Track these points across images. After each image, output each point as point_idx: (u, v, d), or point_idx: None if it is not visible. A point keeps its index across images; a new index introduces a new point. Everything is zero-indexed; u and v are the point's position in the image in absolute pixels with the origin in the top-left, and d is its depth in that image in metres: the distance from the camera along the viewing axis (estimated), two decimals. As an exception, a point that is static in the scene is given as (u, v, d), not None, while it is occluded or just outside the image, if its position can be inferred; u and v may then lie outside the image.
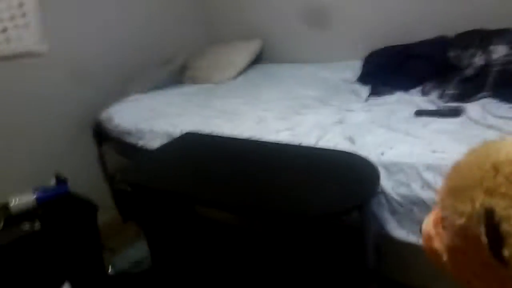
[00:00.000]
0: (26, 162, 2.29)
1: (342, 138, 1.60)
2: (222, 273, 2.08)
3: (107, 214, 2.41)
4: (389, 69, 2.05)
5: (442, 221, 0.60)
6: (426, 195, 1.34)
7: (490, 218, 0.48)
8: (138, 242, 2.44)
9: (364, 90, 2.03)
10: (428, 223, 0.65)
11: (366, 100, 1.94)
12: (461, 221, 0.52)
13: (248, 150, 1.62)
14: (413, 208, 1.38)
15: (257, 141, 1.68)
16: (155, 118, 2.15)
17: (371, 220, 1.35)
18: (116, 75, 2.58)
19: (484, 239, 0.48)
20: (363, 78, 2.14)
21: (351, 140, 1.57)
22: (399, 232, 1.42)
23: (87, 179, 2.46)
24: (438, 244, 0.61)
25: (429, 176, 1.34)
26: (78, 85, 2.44)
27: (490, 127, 1.47)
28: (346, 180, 1.30)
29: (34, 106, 2.29)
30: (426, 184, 1.34)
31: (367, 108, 1.84)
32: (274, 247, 1.63)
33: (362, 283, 1.37)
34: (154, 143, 2.01)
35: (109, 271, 2.25)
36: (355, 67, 2.29)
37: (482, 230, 0.49)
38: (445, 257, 0.60)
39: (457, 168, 0.58)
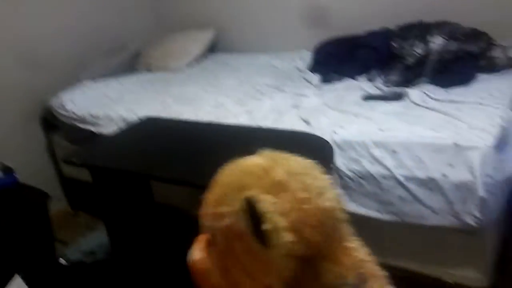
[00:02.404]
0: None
1: (298, 120, 1.69)
2: (180, 261, 2.11)
3: (56, 204, 2.34)
4: (338, 58, 2.17)
5: (208, 241, 0.68)
6: (375, 169, 1.46)
7: (249, 207, 0.58)
8: (90, 233, 2.41)
9: (315, 77, 2.14)
10: (195, 252, 0.70)
11: (318, 86, 2.05)
12: (225, 222, 0.61)
13: (208, 133, 1.66)
14: (363, 182, 1.49)
15: (217, 123, 1.73)
16: (110, 104, 2.13)
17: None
18: (66, 61, 2.51)
19: (247, 224, 0.58)
20: (314, 67, 2.25)
21: (306, 121, 1.66)
22: (350, 205, 1.54)
23: (34, 169, 2.39)
24: (209, 265, 0.67)
25: (377, 152, 1.47)
26: (25, 71, 2.34)
27: (429, 108, 1.62)
28: (304, 155, 1.37)
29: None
30: (375, 160, 1.46)
31: (319, 93, 1.94)
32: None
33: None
34: (110, 129, 1.99)
35: (62, 261, 2.20)
36: (306, 56, 2.40)
37: (245, 218, 0.58)
38: (217, 275, 0.66)
39: (215, 184, 0.67)
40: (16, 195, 2.12)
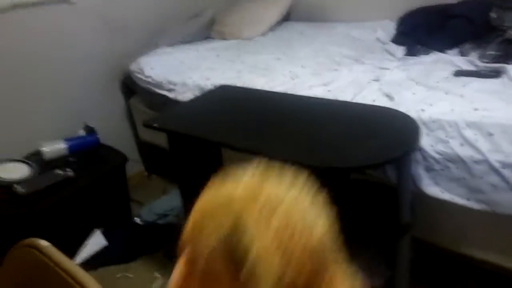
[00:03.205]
0: (56, 112, 2.32)
1: (380, 95, 1.59)
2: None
3: (132, 166, 2.45)
4: (426, 29, 2.00)
5: (189, 268, 0.60)
6: (466, 152, 1.34)
7: (236, 234, 0.52)
8: (163, 196, 2.51)
9: (399, 49, 1.99)
10: (175, 279, 0.63)
11: (402, 59, 1.91)
12: (208, 250, 0.54)
13: (284, 103, 1.62)
14: (450, 165, 1.38)
15: (292, 94, 1.68)
16: (186, 71, 2.15)
17: (408, 175, 1.36)
18: (145, 27, 2.56)
19: (228, 260, 0.52)
20: (398, 38, 2.10)
21: (389, 97, 1.56)
22: (433, 189, 1.44)
23: (114, 131, 2.50)
24: None
25: (469, 133, 1.34)
26: (107, 36, 2.43)
27: (533, 87, 1.45)
28: (386, 133, 1.30)
29: (63, 55, 2.29)
30: (467, 142, 1.34)
31: (404, 67, 1.82)
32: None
33: (395, 236, 1.40)
34: (185, 96, 2.02)
35: (137, 220, 2.32)
36: (388, 27, 2.25)
37: (226, 252, 0.52)
38: None
39: (198, 208, 0.59)
40: (97, 155, 2.25)
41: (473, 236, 1.48)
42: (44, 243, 0.91)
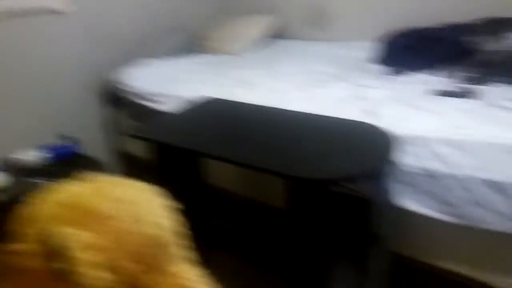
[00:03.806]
0: (34, 120, 2.29)
1: (360, 111, 1.63)
2: (231, 241, 2.12)
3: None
4: (407, 51, 2.07)
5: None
6: (441, 168, 1.39)
7: (56, 242, 0.51)
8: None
9: (381, 69, 2.06)
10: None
11: (384, 78, 1.97)
12: (26, 258, 0.54)
13: (267, 116, 1.65)
14: (426, 180, 1.42)
15: (275, 108, 1.71)
16: (170, 83, 2.16)
17: (381, 188, 1.39)
18: (130, 39, 2.57)
19: (50, 262, 0.51)
20: (381, 58, 2.16)
21: (370, 113, 1.60)
22: (407, 202, 1.47)
23: (93, 141, 2.47)
24: None
25: (444, 150, 1.39)
26: (90, 46, 2.43)
27: (504, 108, 1.51)
28: (360, 147, 1.33)
29: (46, 64, 2.28)
30: (442, 158, 1.38)
31: (385, 85, 1.87)
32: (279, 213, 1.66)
33: (364, 247, 1.42)
34: (170, 107, 2.02)
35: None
36: (371, 47, 2.32)
37: (47, 256, 0.52)
38: None
39: (24, 217, 0.59)
40: (75, 164, 2.21)
41: (445, 249, 1.51)
42: None
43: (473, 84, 1.71)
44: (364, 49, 2.32)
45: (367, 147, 1.35)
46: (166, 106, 2.06)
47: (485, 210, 1.33)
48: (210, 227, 2.01)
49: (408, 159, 1.44)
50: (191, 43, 2.76)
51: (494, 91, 1.63)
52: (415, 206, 1.45)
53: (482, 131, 1.40)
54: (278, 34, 2.83)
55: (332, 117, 1.59)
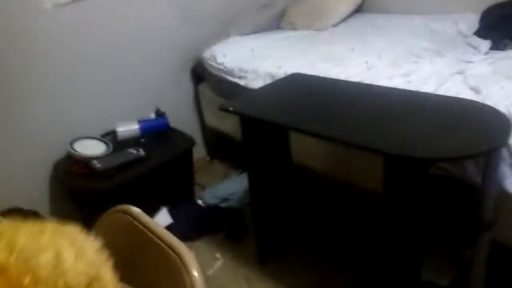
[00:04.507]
0: (130, 95, 2.43)
1: (465, 88, 1.52)
2: (316, 222, 2.12)
3: (196, 151, 2.51)
4: (504, 22, 1.88)
5: None
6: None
7: None
8: (225, 180, 2.56)
9: (483, 43, 1.88)
10: None
11: (487, 53, 1.81)
12: None
13: (359, 92, 1.59)
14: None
15: (368, 84, 1.64)
16: (257, 59, 2.17)
17: (494, 172, 1.29)
18: (217, 17, 2.62)
19: None
20: (482, 31, 1.98)
21: (475, 90, 1.49)
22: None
23: (182, 116, 2.58)
24: None
25: None
26: (181, 25, 2.51)
27: None
28: (472, 127, 1.23)
29: (140, 42, 2.39)
30: (563, 140, 1.25)
31: (490, 60, 1.72)
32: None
33: (475, 236, 1.33)
34: (256, 84, 2.03)
35: (200, 203, 2.38)
36: (471, 20, 2.13)
37: None
38: None
39: None
40: (167, 137, 2.33)
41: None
42: (136, 209, 0.95)
43: None
44: (463, 22, 2.14)
45: (479, 127, 1.25)
46: (253, 82, 2.07)
47: None
48: (299, 207, 2.02)
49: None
50: (280, 19, 2.73)
51: None
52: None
53: None
54: (364, 8, 2.70)
55: (436, 95, 1.49)
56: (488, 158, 1.23)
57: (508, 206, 1.41)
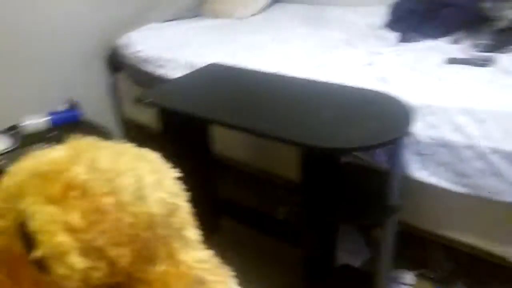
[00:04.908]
0: (38, 86, 2.25)
1: (373, 79, 1.59)
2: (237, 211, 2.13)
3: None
4: (420, 16, 2.01)
5: None
6: (456, 138, 1.37)
7: (22, 223, 0.44)
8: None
9: (393, 35, 2.00)
10: None
11: (395, 45, 1.92)
12: (2, 241, 0.46)
13: (276, 83, 1.61)
14: (441, 150, 1.40)
15: (285, 75, 1.66)
16: (177, 48, 2.11)
17: (398, 159, 1.38)
18: (134, 2, 2.49)
19: (22, 245, 0.44)
20: (392, 24, 2.10)
21: (383, 81, 1.57)
22: (421, 173, 1.46)
23: (97, 107, 2.44)
24: None
25: (461, 119, 1.36)
26: (94, 9, 2.35)
27: (523, 77, 1.48)
28: (379, 117, 1.30)
29: (47, 28, 2.21)
30: (458, 127, 1.36)
31: (397, 52, 1.82)
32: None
33: (383, 218, 1.42)
34: (176, 73, 1.98)
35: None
36: (381, 12, 2.25)
37: (19, 238, 0.44)
38: None
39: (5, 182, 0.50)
40: (79, 130, 2.19)
41: (456, 219, 1.52)
42: None
43: (489, 52, 1.67)
44: (374, 15, 2.25)
45: (385, 117, 1.32)
46: (172, 71, 2.01)
47: (501, 182, 1.32)
48: (219, 197, 2.02)
49: (424, 129, 1.41)
50: (199, 6, 2.67)
51: (509, 59, 1.59)
52: (430, 177, 1.44)
53: (500, 100, 1.37)
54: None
55: (345, 85, 1.55)
56: (393, 146, 1.31)
57: (412, 189, 1.52)
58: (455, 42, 1.83)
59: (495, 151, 1.32)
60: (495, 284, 1.58)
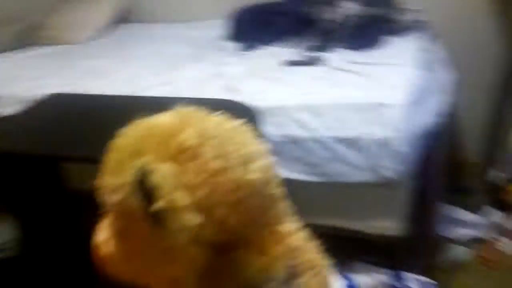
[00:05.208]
0: None
1: (221, 89, 1.65)
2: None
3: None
4: (258, 26, 2.15)
5: (109, 220, 0.58)
6: (301, 133, 1.49)
7: (141, 178, 0.47)
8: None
9: (235, 45, 2.10)
10: (99, 233, 0.60)
11: (238, 54, 2.01)
12: (118, 196, 0.50)
13: (124, 106, 1.54)
14: (291, 146, 1.51)
15: (131, 96, 1.62)
16: (8, 81, 1.89)
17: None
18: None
19: (140, 200, 0.47)
20: (233, 35, 2.19)
21: (230, 90, 1.63)
22: (281, 171, 1.55)
23: None
24: (113, 249, 0.57)
25: (302, 115, 1.49)
26: None
27: (346, 71, 1.68)
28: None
29: None
30: (301, 123, 1.49)
31: (240, 61, 1.92)
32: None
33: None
34: (12, 109, 1.77)
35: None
36: (223, 25, 2.34)
37: (137, 193, 0.48)
38: (122, 260, 0.56)
39: (112, 148, 0.55)
40: None
41: (316, 206, 1.64)
42: None
43: (317, 52, 1.86)
44: (217, 28, 2.33)
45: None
46: (7, 108, 1.80)
47: (343, 165, 1.48)
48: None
49: (271, 129, 1.50)
50: (28, 35, 2.43)
51: (335, 57, 1.80)
52: (288, 173, 1.53)
53: (331, 94, 1.53)
54: (125, 18, 2.66)
55: (195, 98, 1.55)
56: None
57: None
58: (290, 46, 2.00)
59: (336, 139, 1.47)
60: (362, 257, 1.74)
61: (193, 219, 0.46)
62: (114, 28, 2.54)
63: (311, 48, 1.91)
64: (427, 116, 1.58)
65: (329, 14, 2.01)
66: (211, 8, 2.53)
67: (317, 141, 1.47)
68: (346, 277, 1.56)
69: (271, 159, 0.55)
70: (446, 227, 1.87)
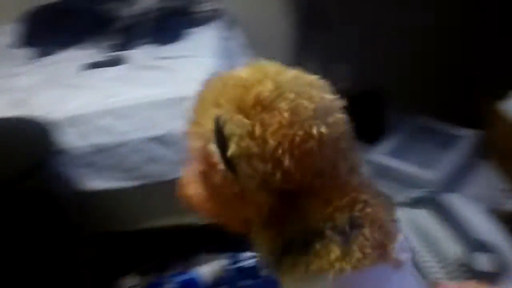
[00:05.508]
0: None
1: (8, 105, 1.46)
2: None
3: None
4: (52, 28, 1.94)
5: (193, 164, 0.61)
6: (109, 139, 1.43)
7: (218, 127, 0.52)
8: None
9: (28, 53, 1.87)
10: (185, 174, 0.64)
11: (32, 62, 1.80)
12: (198, 143, 0.54)
13: None
14: (103, 155, 1.44)
15: None
16: None
17: (58, 179, 1.32)
18: None
19: (216, 147, 0.52)
20: (26, 41, 1.94)
21: (21, 104, 1.46)
22: (96, 182, 1.46)
23: None
24: (195, 190, 0.61)
25: (107, 121, 1.42)
26: None
27: (150, 67, 1.64)
28: (14, 145, 1.20)
29: None
30: (107, 129, 1.41)
31: (35, 70, 1.72)
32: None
33: (71, 240, 1.36)
34: None
35: None
36: (11, 30, 2.06)
37: (213, 141, 0.52)
38: (203, 202, 0.61)
39: (197, 99, 0.60)
40: None
41: (144, 211, 1.61)
42: None
43: (118, 51, 1.77)
44: (4, 34, 2.04)
45: (23, 142, 1.22)
46: None
47: (160, 165, 1.45)
48: None
49: (75, 139, 1.40)
50: None
51: (138, 54, 1.74)
52: (100, 183, 1.46)
53: (134, 94, 1.48)
54: None
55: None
56: (42, 170, 1.24)
57: (95, 201, 1.50)
58: (90, 47, 1.86)
59: (147, 139, 1.43)
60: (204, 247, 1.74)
61: (261, 167, 0.49)
62: None
63: (112, 47, 1.81)
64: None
65: (127, 9, 1.94)
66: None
67: (127, 145, 1.42)
68: (186, 273, 1.57)
69: (345, 114, 0.56)
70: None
